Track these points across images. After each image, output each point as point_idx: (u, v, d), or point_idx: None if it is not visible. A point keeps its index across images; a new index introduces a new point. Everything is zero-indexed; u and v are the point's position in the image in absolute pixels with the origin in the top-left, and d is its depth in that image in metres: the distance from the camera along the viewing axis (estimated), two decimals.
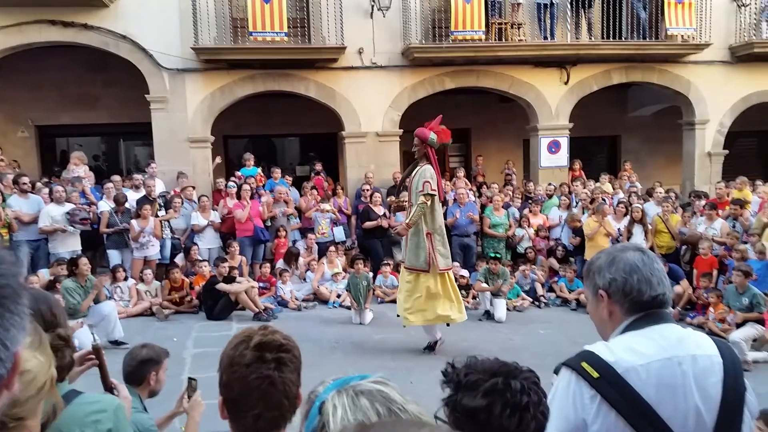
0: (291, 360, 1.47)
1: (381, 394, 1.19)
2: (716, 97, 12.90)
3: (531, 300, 9.54)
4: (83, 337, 5.85)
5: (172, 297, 9.05)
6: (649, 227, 9.80)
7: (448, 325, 6.94)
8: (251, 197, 10.25)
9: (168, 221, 9.87)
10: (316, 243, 10.48)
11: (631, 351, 1.63)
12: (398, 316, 7.04)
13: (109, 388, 2.20)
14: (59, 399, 1.64)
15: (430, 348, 7.00)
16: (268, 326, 1.52)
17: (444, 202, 10.66)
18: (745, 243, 8.82)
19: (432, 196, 6.58)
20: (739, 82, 12.94)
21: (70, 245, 8.97)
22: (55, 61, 12.05)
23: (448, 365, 1.47)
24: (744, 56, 12.66)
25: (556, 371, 1.70)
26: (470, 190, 11.52)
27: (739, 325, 7.06)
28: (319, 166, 12.41)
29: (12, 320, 0.77)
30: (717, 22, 12.42)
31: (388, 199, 8.75)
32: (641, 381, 1.58)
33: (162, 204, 10.00)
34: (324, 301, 9.59)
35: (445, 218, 10.46)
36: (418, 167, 6.76)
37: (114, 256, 9.47)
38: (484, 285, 8.83)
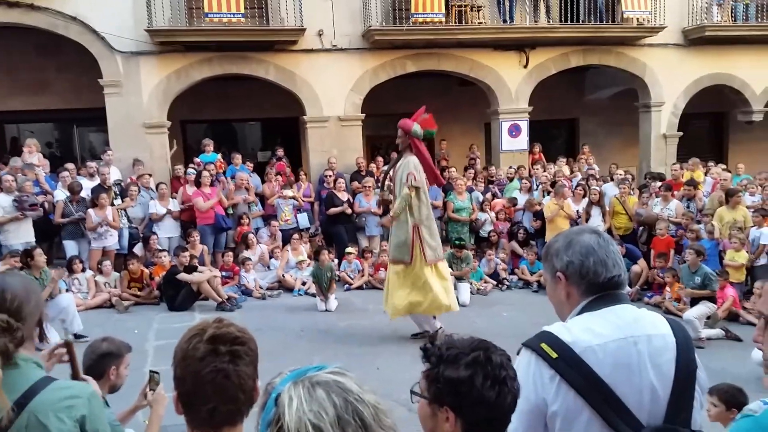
0: (246, 353, 1.44)
1: (338, 385, 1.18)
2: (671, 80, 13.21)
3: (494, 283, 9.67)
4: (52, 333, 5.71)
5: (131, 289, 8.86)
6: (607, 209, 10.02)
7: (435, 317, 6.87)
8: (211, 184, 10.07)
9: (125, 210, 9.64)
10: (280, 230, 10.39)
11: (588, 331, 1.66)
12: (384, 311, 6.98)
13: (76, 376, 2.17)
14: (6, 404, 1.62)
15: (430, 337, 6.79)
16: (223, 319, 1.49)
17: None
18: (699, 223, 9.10)
19: (416, 187, 6.50)
20: (692, 64, 13.28)
21: (23, 236, 8.67)
22: (3, 44, 11.56)
23: (428, 342, 1.53)
24: (696, 39, 12.98)
25: (519, 353, 1.73)
26: None
27: (692, 304, 7.30)
28: (281, 152, 12.26)
29: None
30: (671, 6, 12.68)
31: (377, 193, 8.64)
32: (598, 360, 1.62)
33: (117, 192, 9.75)
34: (289, 289, 9.54)
35: None
36: (402, 159, 6.69)
37: (70, 247, 9.21)
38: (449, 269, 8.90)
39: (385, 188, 7.27)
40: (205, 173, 10.08)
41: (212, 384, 1.38)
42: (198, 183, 10.00)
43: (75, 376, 2.17)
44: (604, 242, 1.77)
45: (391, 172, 7.08)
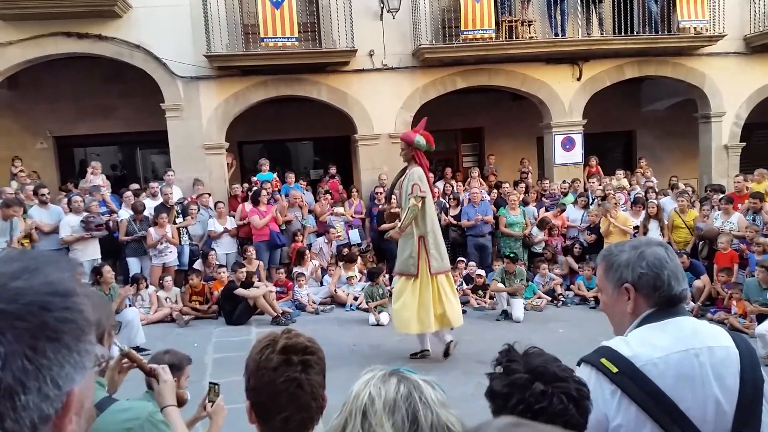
0: (316, 362, 1.49)
1: (414, 384, 1.26)
2: (732, 89, 12.75)
3: (549, 299, 9.50)
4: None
5: (193, 302, 9.14)
6: (665, 222, 9.71)
7: (451, 328, 6.83)
8: (267, 202, 10.32)
9: (186, 228, 9.98)
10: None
11: (647, 345, 1.64)
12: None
13: (150, 374, 2.23)
14: (92, 409, 1.67)
15: (445, 349, 6.82)
16: (291, 330, 1.55)
17: (459, 203, 10.65)
18: (766, 236, 8.71)
19: (422, 198, 6.47)
20: (755, 73, 12.78)
21: (90, 254, 9.08)
22: (72, 73, 12.24)
23: (508, 346, 1.54)
24: (759, 47, 12.51)
25: (579, 364, 1.72)
26: (484, 189, 11.49)
27: (760, 319, 6.97)
28: (333, 170, 12.46)
29: (69, 358, 0.74)
30: (730, 13, 12.28)
31: (381, 207, 8.67)
32: (659, 373, 1.60)
33: (179, 211, 10.11)
34: (341, 304, 9.63)
35: (460, 219, 10.52)
36: (406, 171, 6.70)
37: (133, 264, 9.58)
38: (500, 285, 8.81)
39: (392, 201, 7.30)
40: (263, 191, 10.33)
41: (286, 393, 1.44)
42: (256, 201, 10.25)
43: (143, 371, 2.24)
44: (672, 255, 1.75)
45: (396, 187, 7.11)
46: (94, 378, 0.85)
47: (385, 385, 1.24)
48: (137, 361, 2.23)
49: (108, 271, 7.72)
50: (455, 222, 10.58)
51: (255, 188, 10.70)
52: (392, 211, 7.21)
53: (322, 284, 10.11)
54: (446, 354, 6.80)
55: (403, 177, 6.74)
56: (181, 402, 2.39)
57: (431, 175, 7.55)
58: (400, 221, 6.70)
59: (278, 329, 1.59)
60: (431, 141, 6.74)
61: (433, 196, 6.90)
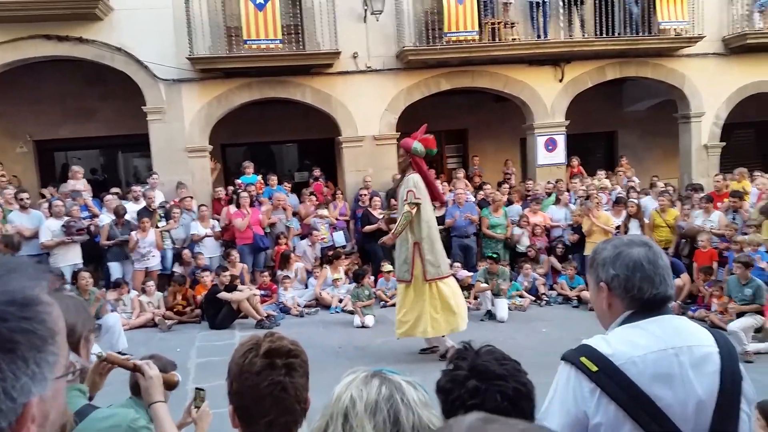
0: (300, 365, 1.49)
1: (396, 385, 1.27)
2: (711, 90, 12.93)
3: (532, 298, 9.55)
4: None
5: (175, 307, 9.07)
6: (645, 221, 9.81)
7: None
8: (251, 205, 10.27)
9: (169, 231, 9.90)
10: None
11: (628, 343, 1.65)
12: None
13: (135, 370, 2.18)
14: (70, 417, 1.64)
15: (442, 356, 6.79)
16: (275, 333, 1.54)
17: (444, 205, 10.65)
18: (744, 234, 8.84)
19: (416, 204, 6.47)
20: (734, 73, 12.97)
21: (71, 259, 8.98)
22: (52, 76, 12.09)
23: (464, 345, 1.60)
24: (737, 48, 12.69)
25: (563, 358, 1.74)
26: (468, 190, 11.53)
27: (738, 316, 7.07)
28: (317, 172, 12.44)
29: (26, 370, 0.72)
30: (709, 15, 12.46)
31: (381, 212, 8.69)
32: (639, 372, 1.60)
33: (162, 215, 10.03)
34: (326, 307, 9.61)
35: (444, 220, 10.55)
36: (405, 177, 6.72)
37: (115, 269, 9.48)
38: (484, 285, 8.85)
39: (390, 207, 7.34)
40: (244, 194, 10.27)
41: (270, 397, 1.43)
42: (238, 203, 10.19)
43: (126, 368, 2.18)
44: (654, 256, 1.73)
45: (395, 193, 7.16)
46: (65, 386, 0.83)
47: (367, 387, 1.24)
48: (117, 362, 2.19)
49: (85, 277, 7.64)
50: (440, 225, 10.59)
51: (237, 190, 10.66)
52: (392, 216, 7.19)
53: (307, 287, 10.08)
54: (442, 356, 6.79)
55: (401, 183, 6.78)
56: (172, 385, 2.35)
57: (437, 180, 7.51)
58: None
59: (261, 332, 1.58)
60: (432, 144, 6.73)
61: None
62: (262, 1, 10.59)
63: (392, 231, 6.65)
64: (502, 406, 1.44)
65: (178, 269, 9.75)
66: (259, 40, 10.70)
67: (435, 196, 7.05)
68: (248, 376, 1.44)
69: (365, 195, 10.93)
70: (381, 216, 8.55)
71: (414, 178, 6.57)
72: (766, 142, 15.99)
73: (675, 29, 12.32)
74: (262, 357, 1.45)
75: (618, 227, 9.77)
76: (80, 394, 1.88)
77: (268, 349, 1.46)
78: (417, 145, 6.56)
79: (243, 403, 1.46)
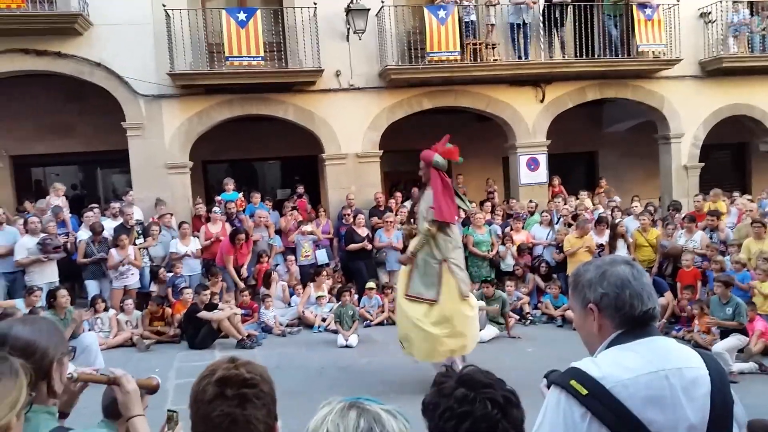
0: (257, 395, 1.39)
1: (375, 416, 1.20)
2: (689, 111, 13.16)
3: (517, 318, 9.51)
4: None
5: (153, 327, 8.88)
6: (630, 241, 9.88)
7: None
8: (231, 221, 10.17)
9: (147, 249, 9.73)
10: (299, 266, 10.41)
11: (617, 366, 1.62)
12: (402, 346, 6.57)
13: (111, 383, 2.08)
14: None
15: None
16: (237, 359, 1.45)
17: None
18: (723, 254, 8.94)
19: (437, 222, 6.13)
20: (711, 95, 13.23)
21: (47, 276, 8.79)
22: (30, 91, 11.93)
23: (446, 367, 1.64)
24: (714, 71, 12.96)
25: (547, 377, 1.74)
26: None
27: (723, 336, 7.10)
28: (301, 189, 12.37)
29: None
30: (686, 38, 12.72)
31: (402, 227, 8.30)
32: (629, 395, 1.57)
33: (140, 232, 9.86)
34: (309, 326, 9.48)
35: None
36: (425, 192, 6.43)
37: (92, 287, 9.29)
38: (491, 307, 8.70)
39: (411, 222, 7.07)
40: (216, 209, 10.22)
41: (219, 429, 1.34)
42: (233, 239, 9.67)
43: (110, 383, 2.07)
44: (638, 274, 1.73)
45: (415, 208, 6.95)
46: (23, 418, 0.76)
47: (344, 420, 1.17)
48: (90, 380, 2.10)
49: (62, 296, 7.44)
50: None
51: (220, 209, 10.55)
52: (411, 232, 6.91)
53: (290, 305, 9.95)
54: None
55: (421, 199, 6.45)
56: (152, 390, 2.25)
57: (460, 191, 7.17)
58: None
59: (242, 353, 1.50)
60: (455, 155, 6.43)
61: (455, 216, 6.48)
62: (244, 19, 10.60)
63: (410, 249, 6.28)
64: (492, 413, 1.42)
65: (154, 288, 9.58)
66: (241, 57, 10.67)
67: (448, 214, 6.46)
68: (201, 405, 1.37)
69: (348, 213, 10.88)
70: (401, 230, 8.19)
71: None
72: (742, 163, 16.29)
73: (653, 52, 12.54)
74: (215, 385, 1.38)
75: (601, 246, 9.82)
76: (50, 417, 1.80)
77: (220, 377, 1.39)
78: (438, 158, 6.29)
79: (197, 431, 1.38)
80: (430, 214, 6.16)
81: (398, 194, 12.16)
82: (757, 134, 13.92)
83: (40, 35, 10.42)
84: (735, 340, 6.93)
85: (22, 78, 11.21)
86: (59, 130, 12.45)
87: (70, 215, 10.35)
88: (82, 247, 9.24)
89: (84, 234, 9.47)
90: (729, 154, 16.15)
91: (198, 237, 10.23)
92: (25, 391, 1.42)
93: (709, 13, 12.85)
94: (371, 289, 9.78)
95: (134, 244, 9.49)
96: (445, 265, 6.20)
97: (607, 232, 10.06)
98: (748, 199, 11.23)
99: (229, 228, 10.27)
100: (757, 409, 4.84)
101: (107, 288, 9.33)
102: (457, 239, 6.49)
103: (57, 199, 10.35)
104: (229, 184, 11.36)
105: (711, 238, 9.48)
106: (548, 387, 1.67)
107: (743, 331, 7.02)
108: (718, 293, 7.33)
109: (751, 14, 13.19)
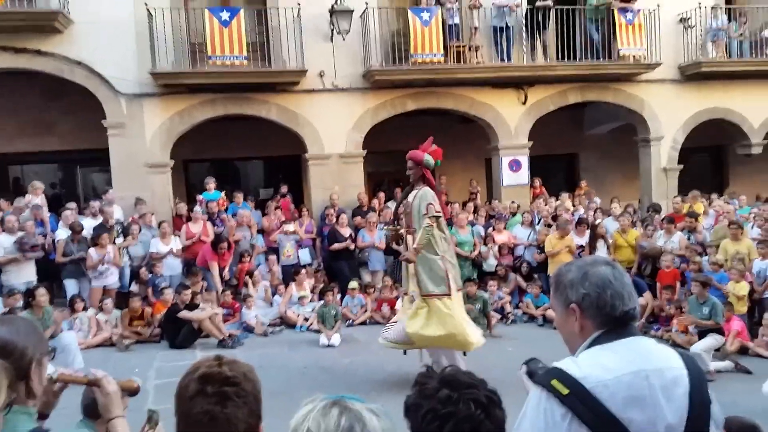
0: (238, 394, 1.38)
1: (357, 415, 1.19)
2: (669, 115, 13.33)
3: (498, 317, 9.57)
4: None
5: (133, 326, 8.79)
6: (610, 242, 10.00)
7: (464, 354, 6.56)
8: (213, 221, 10.10)
9: (126, 248, 9.63)
10: (282, 266, 10.38)
11: (598, 366, 1.63)
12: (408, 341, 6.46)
13: (91, 384, 2.05)
14: None
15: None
16: (222, 357, 1.45)
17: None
18: (701, 255, 9.08)
19: (437, 217, 6.26)
20: (690, 99, 13.41)
21: (24, 276, 8.67)
22: (8, 88, 11.73)
23: (427, 367, 1.64)
24: (693, 75, 13.15)
25: (527, 363, 1.79)
26: None
27: (700, 336, 7.22)
28: (284, 189, 12.33)
29: None
30: (666, 43, 12.88)
31: (385, 228, 8.24)
32: (610, 395, 1.58)
33: (120, 231, 9.76)
34: (291, 325, 9.45)
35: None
36: (415, 190, 6.48)
37: (71, 286, 9.17)
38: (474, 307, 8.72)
39: (396, 223, 7.05)
40: (197, 208, 10.10)
41: (199, 426, 1.34)
42: (215, 246, 9.61)
43: (90, 384, 2.05)
44: (619, 274, 1.74)
45: (399, 209, 6.94)
46: (1, 419, 0.76)
47: (325, 418, 1.17)
48: (70, 380, 2.08)
49: (41, 295, 7.33)
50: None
51: (201, 208, 10.47)
52: (400, 232, 6.83)
53: (272, 305, 9.91)
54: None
55: (412, 197, 6.48)
56: (133, 392, 2.23)
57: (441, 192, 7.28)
58: (404, 242, 6.52)
59: (224, 353, 1.50)
60: (439, 155, 6.59)
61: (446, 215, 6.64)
62: (228, 18, 10.53)
63: (415, 245, 6.24)
64: (475, 414, 1.43)
65: (135, 287, 9.49)
66: (224, 56, 10.60)
67: (443, 210, 6.74)
68: (182, 401, 1.37)
69: (332, 213, 10.86)
70: (385, 231, 8.11)
71: (431, 192, 6.37)
72: (720, 165, 16.55)
73: (634, 56, 12.70)
74: (196, 382, 1.37)
75: (581, 247, 9.92)
76: (28, 418, 1.77)
77: (202, 374, 1.38)
78: (428, 158, 6.42)
79: (180, 429, 1.38)
80: (431, 210, 6.20)
81: (381, 194, 12.19)
82: (735, 137, 14.15)
83: (20, 32, 10.27)
84: (712, 339, 7.04)
85: (2, 75, 11.03)
86: (39, 128, 12.26)
87: (49, 214, 10.20)
88: (61, 246, 9.12)
89: (63, 233, 9.35)
90: (707, 157, 16.39)
91: (179, 236, 10.15)
92: (4, 392, 1.41)
93: (689, 18, 13.05)
94: (354, 289, 9.77)
95: (114, 244, 9.39)
96: (444, 261, 6.30)
97: (588, 232, 10.16)
98: (726, 201, 11.42)
99: (210, 227, 10.22)
100: (733, 406, 4.93)
101: (86, 287, 9.22)
102: (448, 236, 6.63)
103: (36, 198, 10.20)
104: (211, 183, 11.29)
105: (689, 239, 9.63)
106: (527, 374, 1.70)
107: (720, 331, 7.14)
108: (695, 293, 7.45)
109: (729, 20, 13.41)
